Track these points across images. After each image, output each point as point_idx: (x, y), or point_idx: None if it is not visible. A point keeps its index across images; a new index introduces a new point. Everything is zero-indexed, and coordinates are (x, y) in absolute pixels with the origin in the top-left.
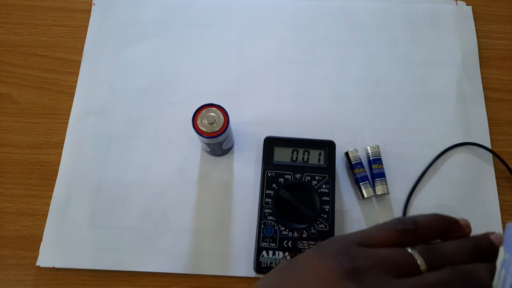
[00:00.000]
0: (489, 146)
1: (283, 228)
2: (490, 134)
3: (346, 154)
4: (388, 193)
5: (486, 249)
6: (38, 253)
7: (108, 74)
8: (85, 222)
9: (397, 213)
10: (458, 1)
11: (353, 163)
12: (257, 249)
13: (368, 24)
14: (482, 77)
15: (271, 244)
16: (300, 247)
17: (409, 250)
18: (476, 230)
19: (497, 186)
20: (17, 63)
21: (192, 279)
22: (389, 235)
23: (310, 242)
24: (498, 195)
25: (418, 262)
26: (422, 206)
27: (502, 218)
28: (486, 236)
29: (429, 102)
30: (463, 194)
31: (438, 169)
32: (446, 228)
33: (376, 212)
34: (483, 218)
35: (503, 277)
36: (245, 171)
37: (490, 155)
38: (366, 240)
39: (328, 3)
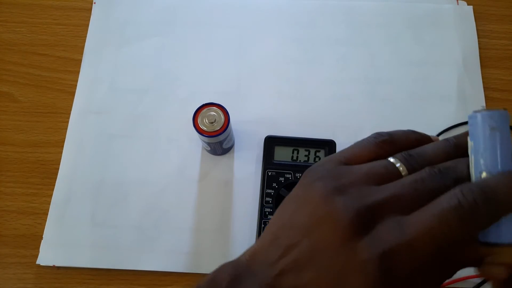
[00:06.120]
0: None
1: None
2: None
3: None
4: None
5: (466, 146)
6: (38, 251)
7: (109, 73)
8: (85, 220)
9: None
10: (459, 1)
11: None
12: None
13: (369, 23)
14: (482, 77)
15: None
16: None
17: (390, 159)
18: None
19: None
20: (18, 61)
21: (192, 278)
22: (369, 149)
23: None
24: None
25: (400, 168)
26: None
27: None
28: (466, 134)
29: (430, 102)
30: None
31: None
32: (422, 139)
33: None
34: None
35: (473, 162)
36: (246, 170)
37: None
38: (348, 159)
39: (329, 2)
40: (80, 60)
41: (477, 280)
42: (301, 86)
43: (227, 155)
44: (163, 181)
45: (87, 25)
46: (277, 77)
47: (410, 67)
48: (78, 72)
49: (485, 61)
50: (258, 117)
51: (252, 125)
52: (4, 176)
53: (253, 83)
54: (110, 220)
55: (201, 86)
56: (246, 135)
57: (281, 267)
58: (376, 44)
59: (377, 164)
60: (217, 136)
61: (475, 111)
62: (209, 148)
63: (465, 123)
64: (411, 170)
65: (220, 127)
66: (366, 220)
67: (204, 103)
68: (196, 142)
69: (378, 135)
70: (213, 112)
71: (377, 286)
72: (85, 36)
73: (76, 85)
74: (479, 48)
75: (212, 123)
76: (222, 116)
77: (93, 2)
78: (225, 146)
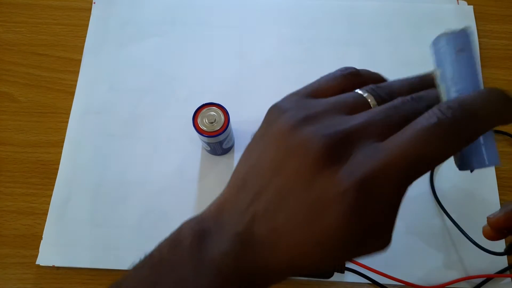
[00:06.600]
0: None
1: None
2: None
3: None
4: None
5: (433, 79)
6: (38, 252)
7: (109, 73)
8: (85, 221)
9: None
10: (459, 1)
11: None
12: None
13: (368, 23)
14: (482, 77)
15: None
16: None
17: (358, 91)
18: (478, 229)
19: (498, 186)
20: (18, 61)
21: None
22: (336, 81)
23: None
24: (499, 195)
25: (368, 99)
26: None
27: None
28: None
29: None
30: (463, 196)
31: (437, 171)
32: (387, 78)
33: None
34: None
35: (444, 90)
36: None
37: None
38: (314, 92)
39: (329, 2)
40: (80, 60)
41: (477, 281)
42: (301, 86)
43: (227, 155)
44: (163, 181)
45: (87, 25)
46: (277, 77)
47: (410, 67)
48: (78, 72)
49: (485, 61)
50: (258, 117)
51: (252, 125)
52: (4, 176)
53: (253, 83)
54: (110, 220)
55: (201, 86)
56: (246, 135)
57: (253, 213)
58: (376, 44)
59: (345, 95)
60: (217, 136)
61: (439, 36)
62: (209, 148)
63: None
64: (379, 101)
65: (220, 127)
66: (339, 147)
67: (204, 103)
68: (196, 142)
69: (345, 68)
70: (213, 112)
71: (356, 215)
72: (85, 36)
73: (76, 85)
74: (479, 48)
75: (212, 123)
76: (222, 116)
77: (93, 2)
78: (225, 146)
